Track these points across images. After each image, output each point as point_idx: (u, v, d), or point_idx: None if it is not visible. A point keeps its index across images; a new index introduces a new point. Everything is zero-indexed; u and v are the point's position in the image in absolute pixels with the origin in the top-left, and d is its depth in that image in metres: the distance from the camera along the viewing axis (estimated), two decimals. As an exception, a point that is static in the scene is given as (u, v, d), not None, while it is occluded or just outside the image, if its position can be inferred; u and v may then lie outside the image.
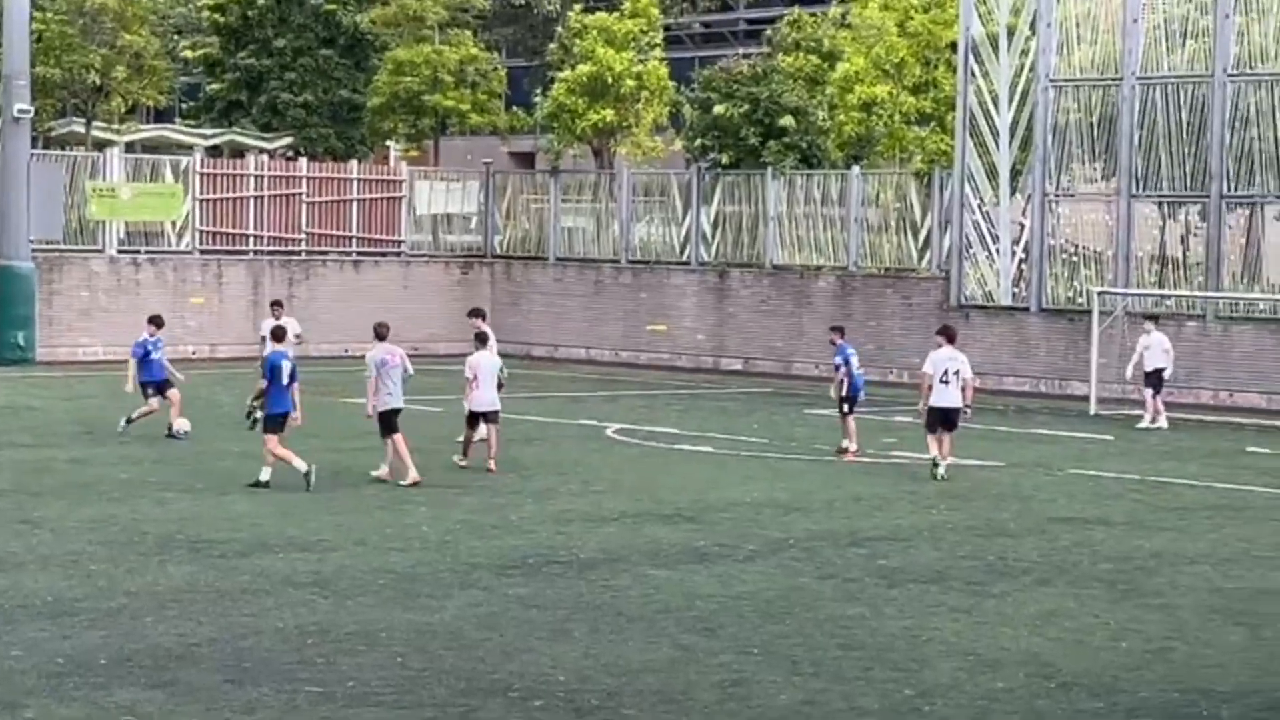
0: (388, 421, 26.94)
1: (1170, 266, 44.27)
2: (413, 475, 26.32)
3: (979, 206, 45.94)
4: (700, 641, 16.46)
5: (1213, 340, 41.99)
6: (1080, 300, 43.80)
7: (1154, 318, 39.17)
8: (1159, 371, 37.28)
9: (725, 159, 51.33)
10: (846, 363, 31.12)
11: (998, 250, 45.73)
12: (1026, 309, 45.13)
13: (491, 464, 27.96)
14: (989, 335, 45.07)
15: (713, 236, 51.74)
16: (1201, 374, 41.81)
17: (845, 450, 30.89)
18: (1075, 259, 45.27)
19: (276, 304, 36.96)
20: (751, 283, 50.63)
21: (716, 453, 31.39)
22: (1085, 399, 40.11)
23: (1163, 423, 36.86)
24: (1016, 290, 45.47)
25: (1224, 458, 32.12)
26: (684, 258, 52.19)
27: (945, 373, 28.26)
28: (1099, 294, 41.72)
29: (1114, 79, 43.90)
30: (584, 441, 32.74)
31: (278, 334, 27.44)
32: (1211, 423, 38.10)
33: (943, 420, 28.33)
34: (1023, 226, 45.66)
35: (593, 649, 16.05)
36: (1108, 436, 35.22)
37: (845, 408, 31.03)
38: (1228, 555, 21.80)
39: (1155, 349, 37.38)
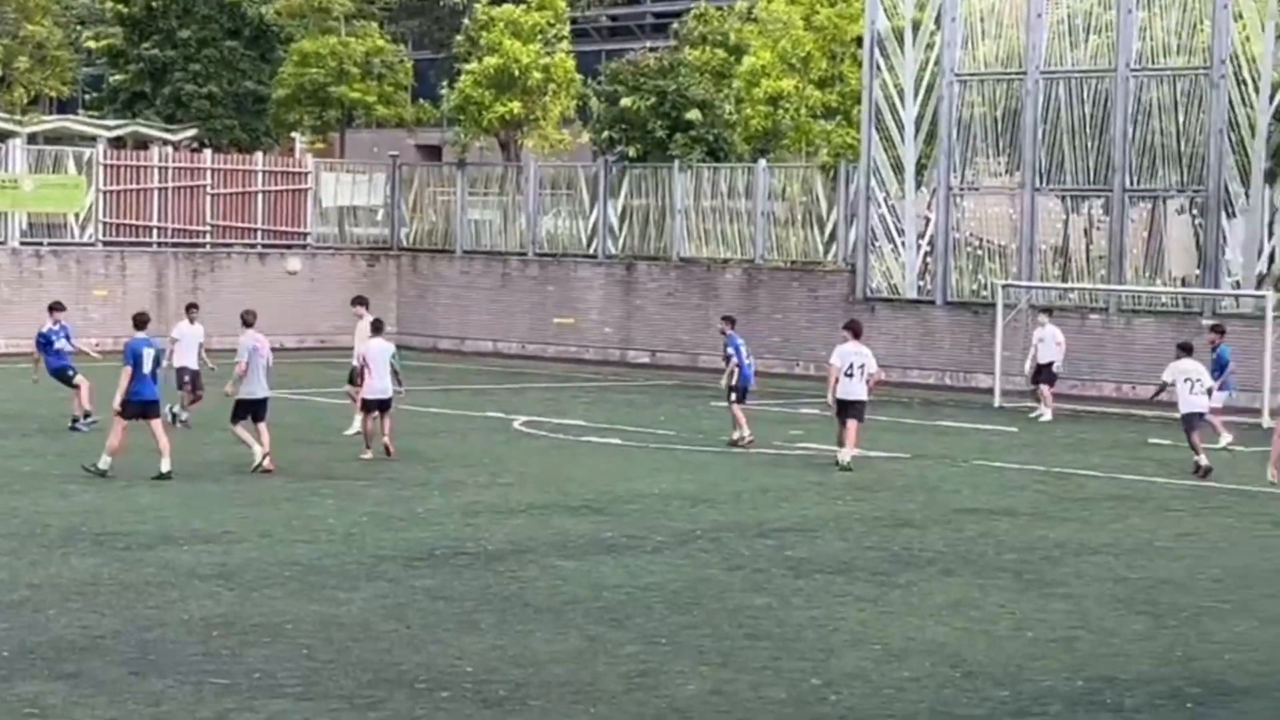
0: (245, 410, 26.80)
1: (1073, 260, 44.62)
2: (260, 452, 26.28)
3: (884, 200, 46.13)
4: (607, 632, 16.46)
5: (1115, 333, 42.33)
6: (984, 293, 44.06)
7: (1048, 310, 39.42)
8: (1050, 364, 37.62)
9: (632, 152, 51.34)
10: (737, 352, 31.38)
11: (903, 243, 45.94)
12: (931, 302, 45.36)
13: (388, 444, 28.12)
14: (894, 328, 45.28)
15: (620, 229, 51.75)
16: (1104, 367, 42.15)
17: (736, 441, 31.03)
18: (980, 252, 45.54)
19: (192, 306, 35.57)
20: (658, 275, 50.68)
21: (624, 445, 31.40)
22: (990, 391, 40.35)
23: (1048, 414, 37.23)
24: (921, 283, 45.70)
25: (1126, 449, 32.38)
26: (591, 250, 52.19)
27: (850, 365, 28.69)
28: (1003, 287, 41.99)
29: (1018, 73, 44.17)
30: (491, 434, 32.68)
31: (139, 320, 27.06)
32: (1114, 415, 38.38)
33: (848, 412, 28.61)
34: (928, 220, 45.89)
35: (500, 640, 16.02)
36: (1012, 428, 35.45)
37: (734, 396, 31.24)
38: (1131, 546, 21.97)
39: (1049, 342, 37.66)
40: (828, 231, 48.11)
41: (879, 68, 46.12)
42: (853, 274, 46.73)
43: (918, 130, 45.65)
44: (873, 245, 46.28)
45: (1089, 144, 43.13)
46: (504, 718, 13.60)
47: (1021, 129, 44.06)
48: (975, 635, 16.69)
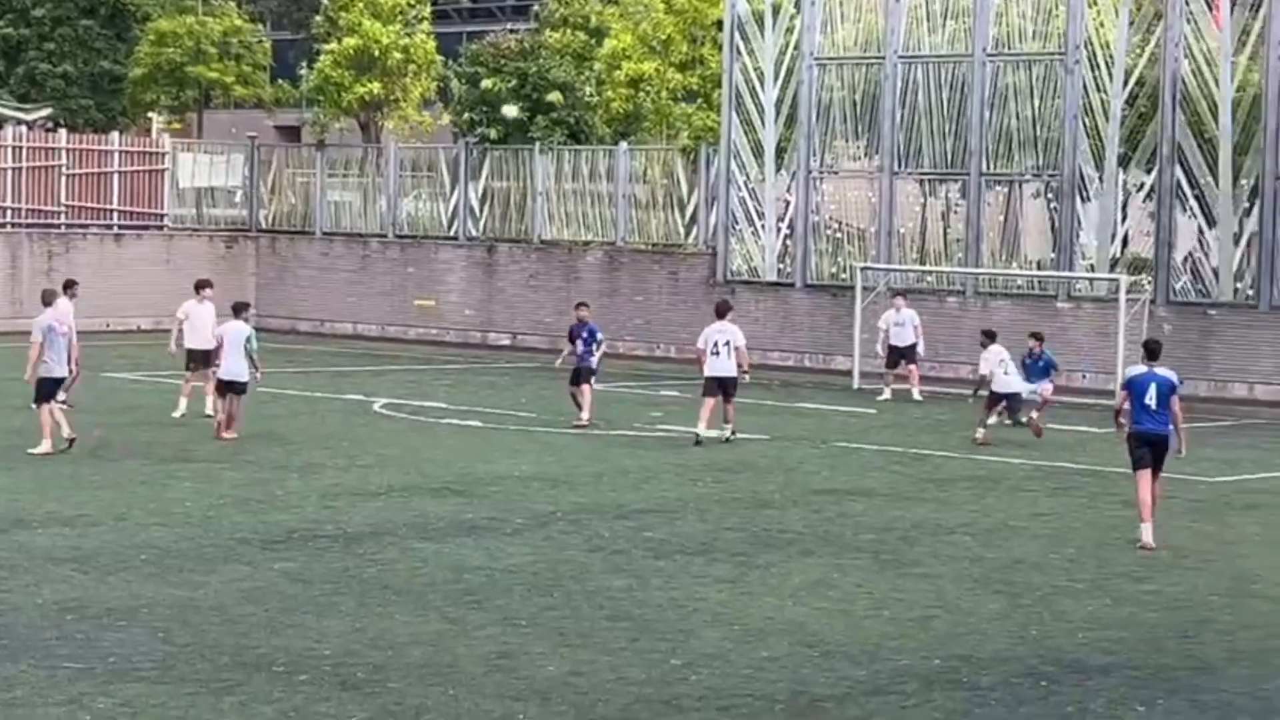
0: (47, 389, 26.54)
1: (931, 243, 44.99)
2: (45, 447, 26.03)
3: (745, 183, 46.28)
4: (468, 614, 16.44)
5: (972, 316, 42.65)
6: (844, 276, 44.31)
7: (903, 294, 39.68)
8: (912, 347, 37.89)
9: (493, 134, 51.20)
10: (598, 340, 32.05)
11: (763, 226, 46.11)
12: (791, 285, 45.56)
13: (231, 433, 28.03)
14: (755, 310, 45.40)
15: (480, 211, 51.60)
16: (961, 349, 42.44)
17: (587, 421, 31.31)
18: (839, 235, 45.81)
19: (71, 283, 34.32)
20: (520, 258, 50.59)
21: (484, 427, 31.35)
22: (849, 373, 40.59)
23: (888, 395, 37.46)
24: (781, 266, 45.89)
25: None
26: (452, 232, 52.00)
27: (715, 344, 29.47)
28: (862, 270, 42.25)
29: (876, 58, 44.43)
30: (351, 416, 32.51)
31: None
32: (970, 397, 38.64)
33: (720, 388, 29.31)
34: (788, 203, 46.09)
35: (359, 623, 15.96)
36: (870, 410, 35.68)
37: (591, 380, 31.67)
38: (987, 526, 22.20)
39: (907, 325, 37.91)
40: (688, 214, 48.21)
41: (739, 51, 46.25)
42: (713, 257, 46.86)
43: (778, 114, 45.83)
44: (733, 228, 46.42)
45: (946, 128, 43.47)
46: (363, 700, 13.55)
47: (880, 113, 44.34)
48: (833, 615, 16.81)
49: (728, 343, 29.47)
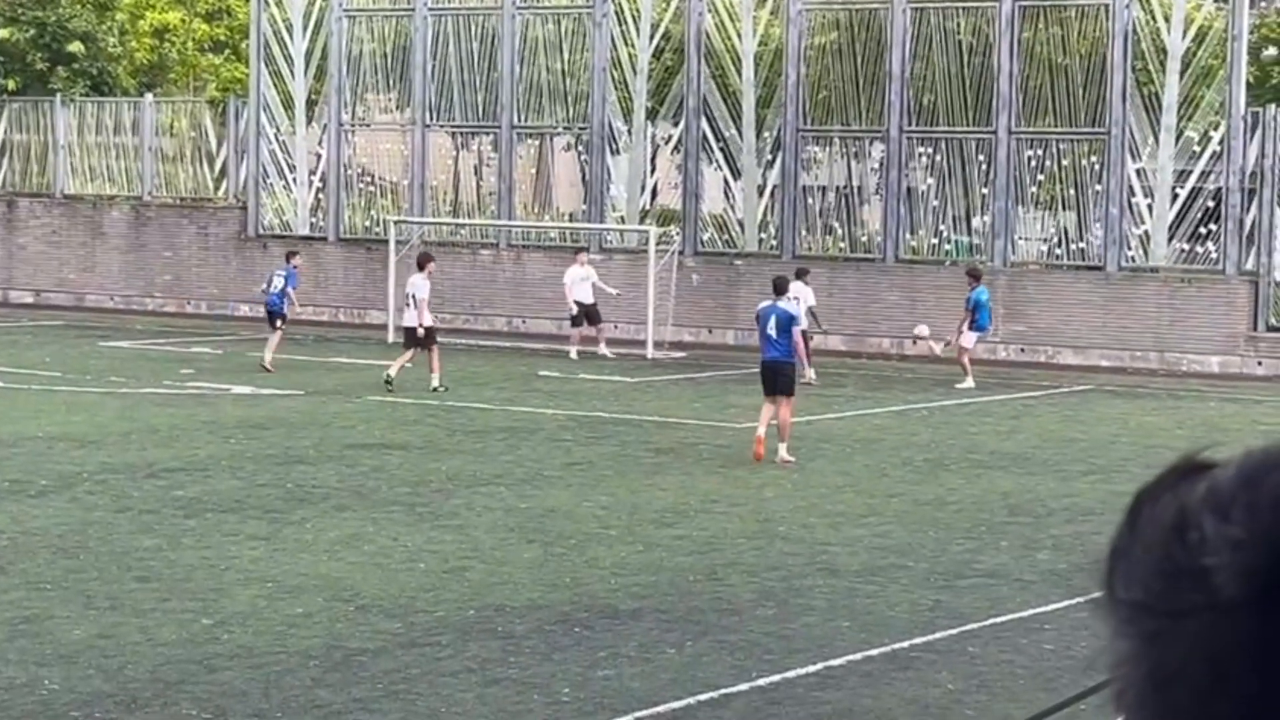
0: None
1: (464, 196, 45.11)
2: None
3: (275, 136, 45.73)
4: (-11, 580, 15.91)
5: (506, 268, 42.97)
6: (377, 230, 44.15)
7: (584, 249, 39.65)
8: (594, 304, 37.54)
9: (11, 85, 49.61)
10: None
11: (295, 180, 45.65)
12: (324, 238, 45.21)
13: None
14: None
15: (-1, 165, 49.97)
16: (495, 302, 42.75)
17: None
18: (372, 189, 45.61)
19: None
20: (41, 213, 49.13)
21: (6, 387, 30.36)
22: (384, 328, 40.47)
23: (605, 351, 37.15)
24: (314, 220, 45.51)
25: (518, 382, 32.91)
26: (-31, 187, 50.24)
27: (408, 297, 31.36)
28: (395, 223, 42.14)
29: (406, 10, 44.31)
30: None
31: None
32: (506, 349, 38.97)
33: (408, 339, 31.29)
34: (319, 156, 45.71)
35: (-128, 593, 15.31)
36: (407, 365, 35.56)
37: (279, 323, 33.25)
38: (521, 476, 22.35)
39: (584, 281, 37.76)
40: (218, 167, 47.45)
41: (267, 2, 45.62)
42: (244, 210, 46.21)
43: (307, 65, 45.38)
44: (264, 182, 45.85)
45: (477, 81, 43.59)
46: (-124, 673, 13.00)
47: (411, 65, 44.23)
48: (368, 569, 16.73)
49: (411, 295, 31.16)
